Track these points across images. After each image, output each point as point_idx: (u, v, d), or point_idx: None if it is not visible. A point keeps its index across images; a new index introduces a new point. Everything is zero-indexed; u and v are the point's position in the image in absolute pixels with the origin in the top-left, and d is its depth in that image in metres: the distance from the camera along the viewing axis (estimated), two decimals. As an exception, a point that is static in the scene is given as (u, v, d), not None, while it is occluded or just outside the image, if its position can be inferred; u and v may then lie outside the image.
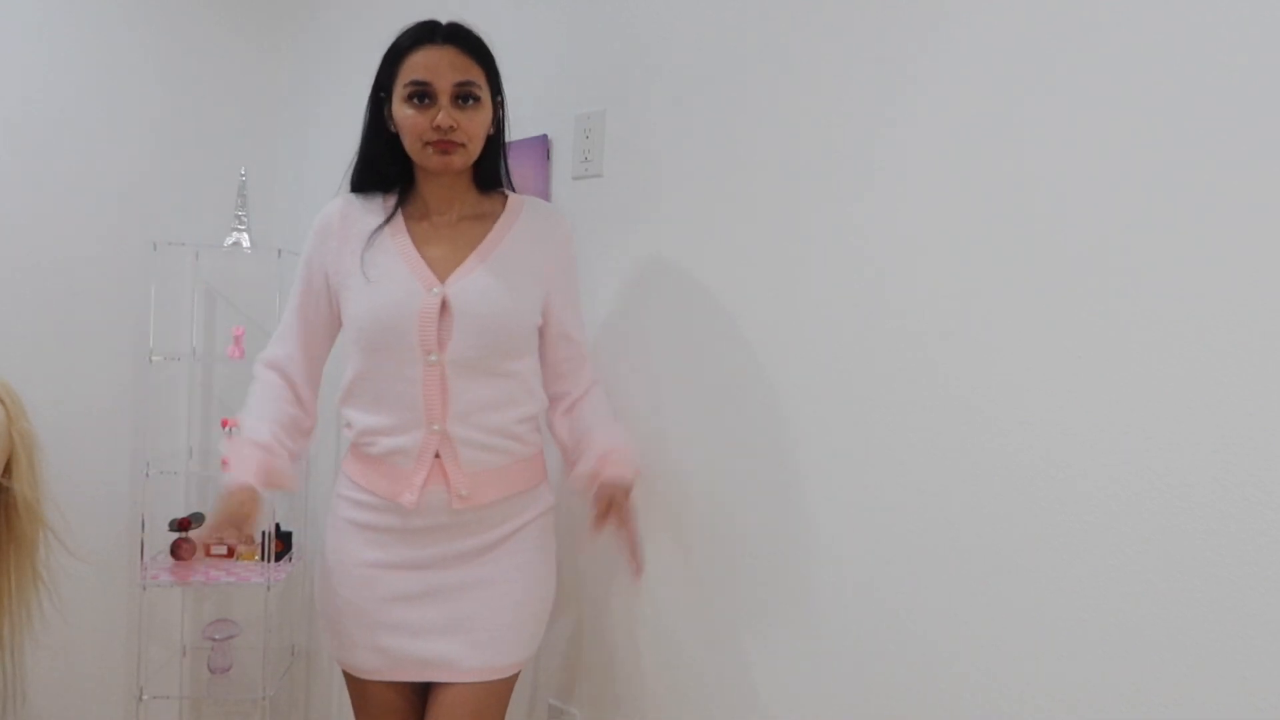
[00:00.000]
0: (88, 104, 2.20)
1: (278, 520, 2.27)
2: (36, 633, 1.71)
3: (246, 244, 2.26)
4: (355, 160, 1.49)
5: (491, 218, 1.48)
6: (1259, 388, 0.97)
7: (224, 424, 2.28)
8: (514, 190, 1.55)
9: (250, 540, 1.40)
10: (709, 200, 1.52)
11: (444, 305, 1.38)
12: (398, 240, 1.43)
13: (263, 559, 2.27)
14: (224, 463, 1.40)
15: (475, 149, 1.41)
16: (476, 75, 1.39)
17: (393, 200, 1.47)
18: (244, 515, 1.34)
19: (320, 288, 1.49)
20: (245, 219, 2.27)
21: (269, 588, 2.21)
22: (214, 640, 2.34)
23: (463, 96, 1.37)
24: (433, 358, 1.38)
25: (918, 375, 1.26)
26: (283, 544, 2.30)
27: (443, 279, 1.40)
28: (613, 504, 1.46)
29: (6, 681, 1.67)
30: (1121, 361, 1.06)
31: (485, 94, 1.40)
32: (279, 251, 2.26)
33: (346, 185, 1.51)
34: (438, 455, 1.41)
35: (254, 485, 1.36)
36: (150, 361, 2.24)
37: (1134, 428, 1.05)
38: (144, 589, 2.20)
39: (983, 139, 1.19)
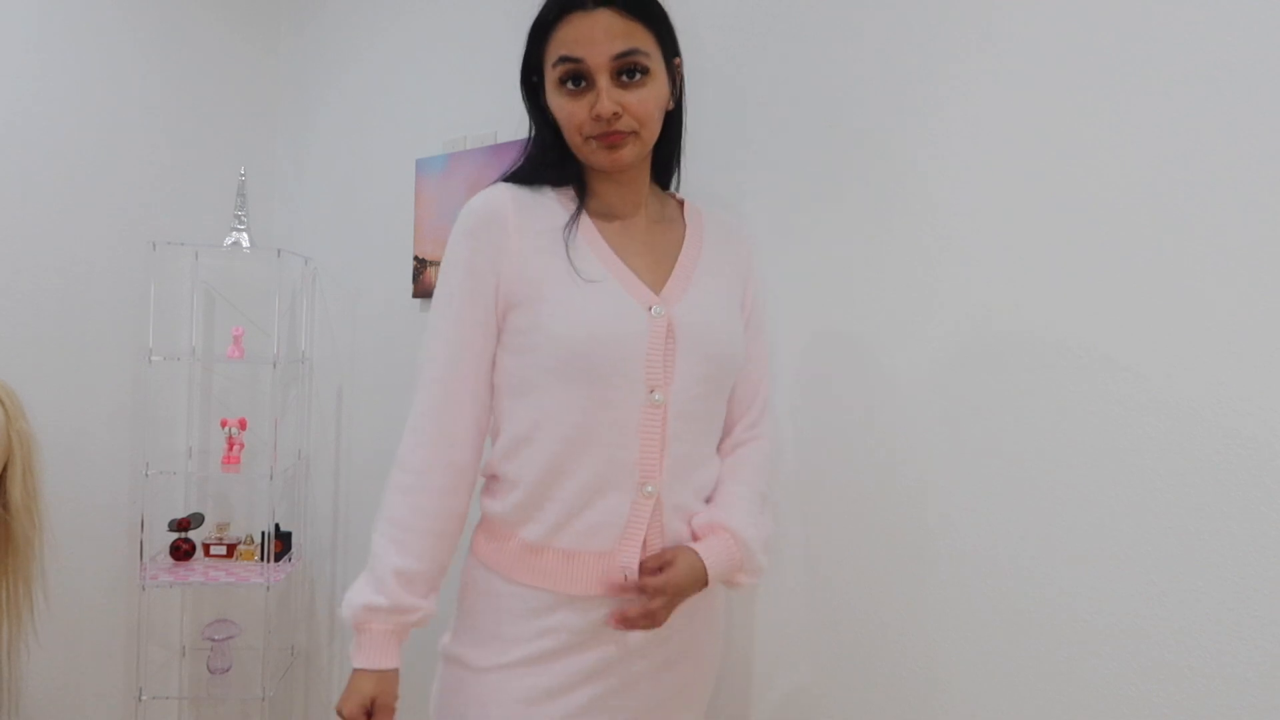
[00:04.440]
0: (87, 104, 2.20)
1: (277, 520, 2.27)
2: (36, 633, 1.71)
3: (246, 244, 2.26)
4: (521, 160, 1.19)
5: (677, 223, 1.20)
6: None
7: (223, 424, 2.29)
8: (678, 188, 1.26)
9: None
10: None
11: (668, 329, 1.09)
12: (593, 243, 1.12)
13: (262, 559, 2.27)
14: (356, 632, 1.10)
15: (650, 133, 1.11)
16: (642, 40, 1.08)
17: (569, 193, 1.16)
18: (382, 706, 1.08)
19: (492, 300, 1.11)
20: (245, 219, 2.27)
21: (268, 588, 2.21)
22: (213, 640, 2.34)
23: (626, 70, 1.07)
24: (657, 396, 1.07)
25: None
26: (282, 544, 2.30)
27: (655, 294, 1.11)
28: (665, 568, 1.09)
29: (2, 684, 1.67)
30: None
31: (656, 62, 1.09)
32: (278, 251, 2.26)
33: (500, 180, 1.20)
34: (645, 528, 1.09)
35: (396, 666, 1.09)
36: (150, 361, 2.24)
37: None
38: (143, 589, 2.19)
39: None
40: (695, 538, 1.13)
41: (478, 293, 1.10)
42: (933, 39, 1.26)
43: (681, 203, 1.24)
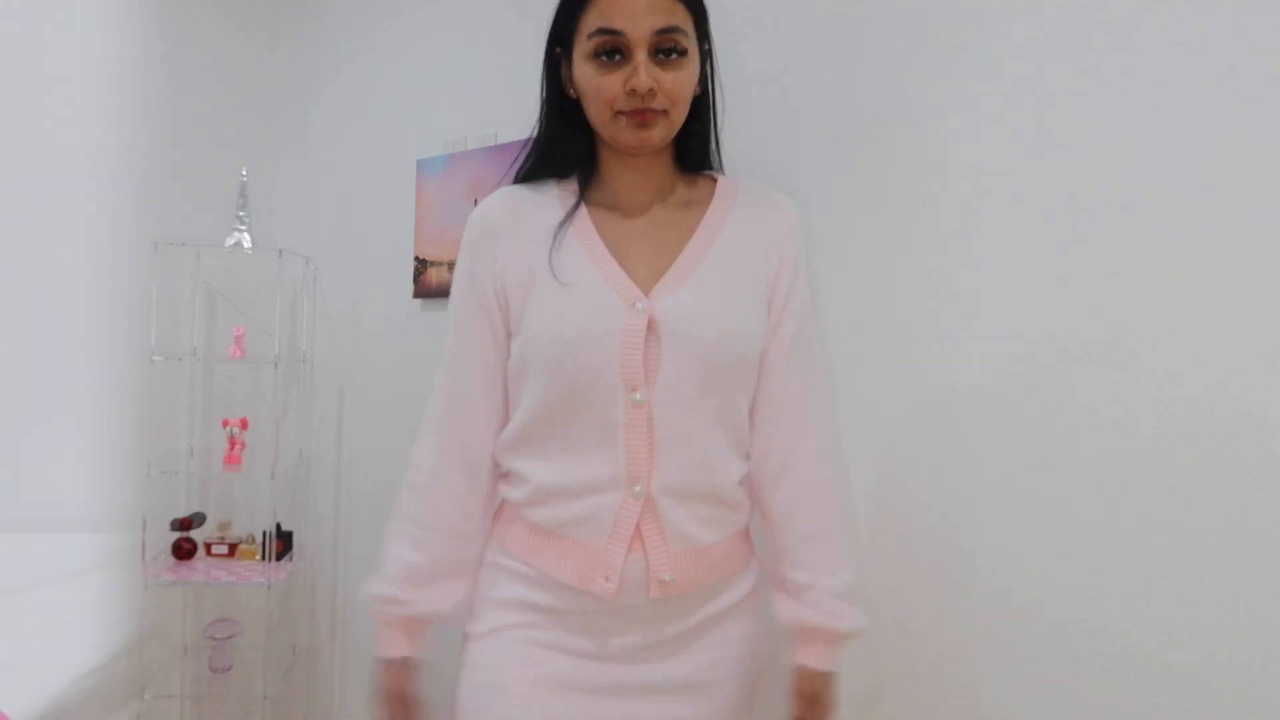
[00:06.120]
0: (88, 104, 2.20)
1: (279, 520, 2.27)
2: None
3: (247, 244, 2.26)
4: (531, 143, 1.17)
5: (698, 207, 1.14)
6: None
7: (225, 424, 2.29)
8: (723, 170, 1.21)
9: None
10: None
11: (650, 326, 1.05)
12: (585, 240, 1.10)
13: (264, 559, 2.27)
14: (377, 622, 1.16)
15: (679, 116, 1.09)
16: (681, 18, 1.06)
17: (572, 188, 1.14)
18: (401, 695, 1.14)
19: (494, 307, 1.12)
20: (246, 219, 2.27)
21: (270, 587, 2.21)
22: (215, 639, 2.34)
23: (664, 49, 1.04)
24: (638, 396, 1.04)
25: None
26: (283, 544, 2.30)
27: (646, 291, 1.07)
28: (815, 700, 1.13)
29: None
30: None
31: (691, 44, 1.07)
32: (280, 252, 2.26)
33: (510, 177, 1.19)
34: (638, 527, 1.07)
35: (403, 655, 1.14)
36: (151, 362, 2.24)
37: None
38: (145, 588, 2.19)
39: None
40: (810, 635, 1.12)
41: (479, 302, 1.13)
42: (948, 40, 1.27)
43: (715, 182, 1.18)
